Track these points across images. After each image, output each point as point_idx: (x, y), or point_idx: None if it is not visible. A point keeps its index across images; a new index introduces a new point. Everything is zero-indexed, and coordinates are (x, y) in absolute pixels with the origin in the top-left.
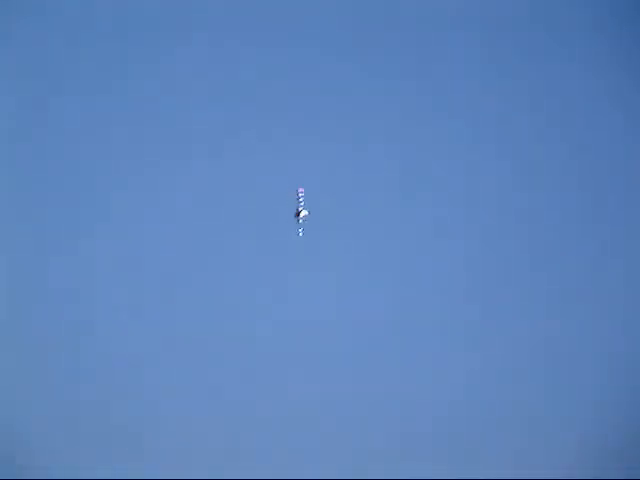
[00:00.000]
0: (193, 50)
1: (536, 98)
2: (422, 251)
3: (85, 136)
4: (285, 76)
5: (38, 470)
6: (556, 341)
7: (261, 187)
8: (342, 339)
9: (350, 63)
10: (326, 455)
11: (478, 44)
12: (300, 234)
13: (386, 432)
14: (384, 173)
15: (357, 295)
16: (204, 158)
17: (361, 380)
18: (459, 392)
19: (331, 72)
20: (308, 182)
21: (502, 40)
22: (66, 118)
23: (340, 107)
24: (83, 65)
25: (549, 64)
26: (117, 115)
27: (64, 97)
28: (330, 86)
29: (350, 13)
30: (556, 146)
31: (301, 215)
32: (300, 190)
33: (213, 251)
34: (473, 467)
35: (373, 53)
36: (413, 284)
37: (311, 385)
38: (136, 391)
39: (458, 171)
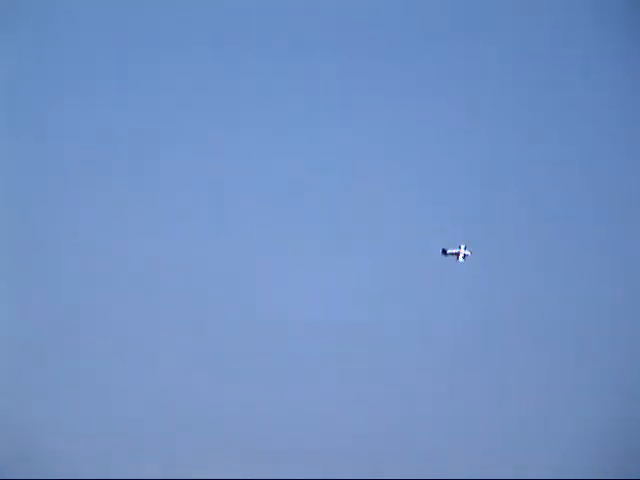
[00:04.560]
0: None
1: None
2: (422, 251)
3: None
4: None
5: (38, 469)
6: (556, 341)
7: (263, 185)
8: (344, 340)
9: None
10: (326, 455)
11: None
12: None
13: (386, 432)
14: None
15: (358, 297)
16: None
17: (361, 382)
18: (460, 392)
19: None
20: (307, 180)
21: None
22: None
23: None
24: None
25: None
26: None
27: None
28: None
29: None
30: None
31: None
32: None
33: (213, 248)
34: (473, 467)
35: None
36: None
37: (313, 385)
38: (137, 389)
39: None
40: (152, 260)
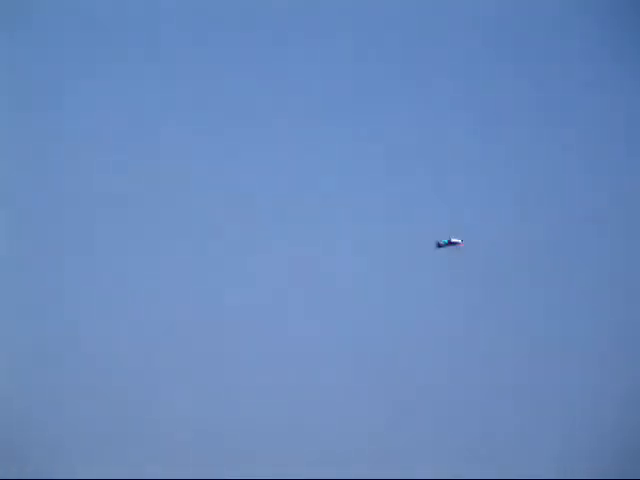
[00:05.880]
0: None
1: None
2: (422, 248)
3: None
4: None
5: (37, 470)
6: (556, 341)
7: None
8: (344, 338)
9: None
10: (327, 454)
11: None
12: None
13: (387, 431)
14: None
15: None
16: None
17: (361, 380)
18: (458, 392)
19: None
20: (307, 179)
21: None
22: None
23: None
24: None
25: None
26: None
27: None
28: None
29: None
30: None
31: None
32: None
33: (210, 246)
34: (473, 466)
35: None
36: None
37: (312, 383)
38: (135, 389)
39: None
40: (154, 273)
